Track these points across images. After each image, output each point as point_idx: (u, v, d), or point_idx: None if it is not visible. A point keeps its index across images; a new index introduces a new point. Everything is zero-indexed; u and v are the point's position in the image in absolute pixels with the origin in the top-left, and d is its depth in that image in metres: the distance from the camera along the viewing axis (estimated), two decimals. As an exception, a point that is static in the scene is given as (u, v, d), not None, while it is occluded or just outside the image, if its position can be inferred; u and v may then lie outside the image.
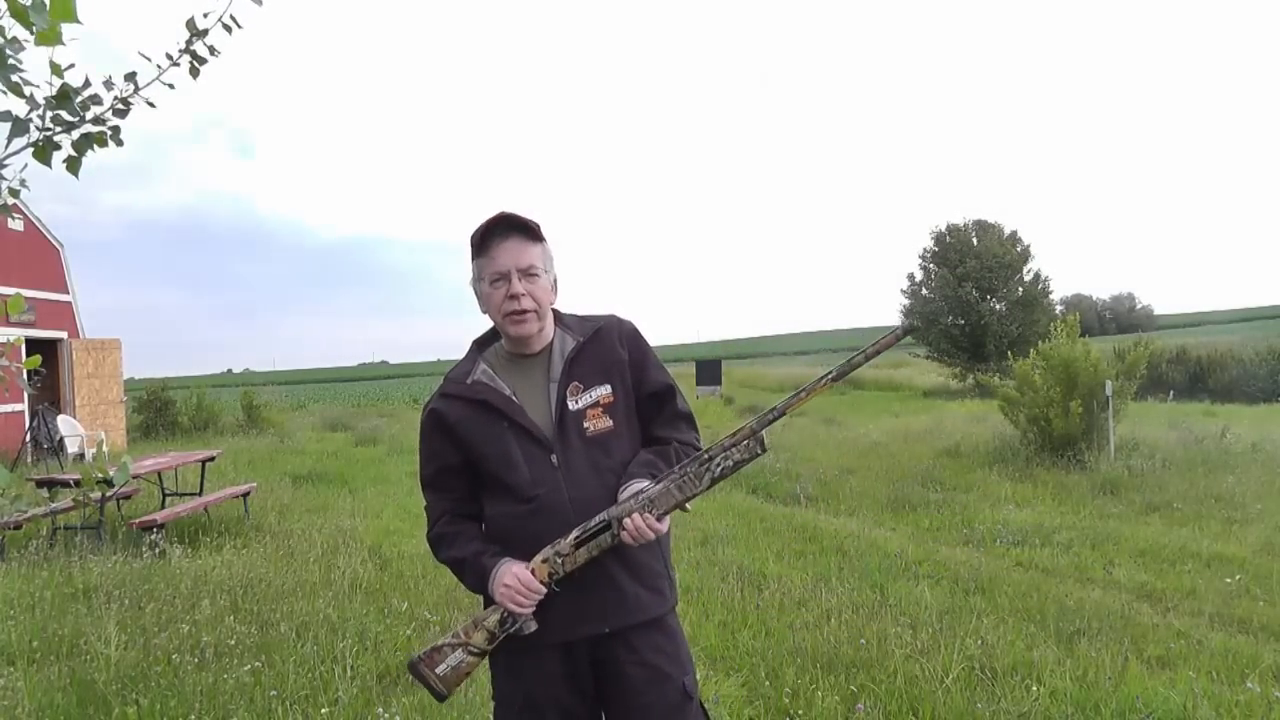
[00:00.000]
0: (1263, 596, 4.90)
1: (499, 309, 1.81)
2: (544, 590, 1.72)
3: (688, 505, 1.72)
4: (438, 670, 1.79)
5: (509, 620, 1.75)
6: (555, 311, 1.91)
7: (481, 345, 1.95)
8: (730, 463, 1.71)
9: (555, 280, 1.89)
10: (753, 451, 1.71)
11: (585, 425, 1.80)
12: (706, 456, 1.72)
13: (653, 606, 1.82)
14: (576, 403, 1.82)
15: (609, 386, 1.84)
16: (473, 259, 1.85)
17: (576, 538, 1.71)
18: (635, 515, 1.68)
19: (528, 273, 1.79)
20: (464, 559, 1.82)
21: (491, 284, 1.80)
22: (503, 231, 1.80)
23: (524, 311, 1.79)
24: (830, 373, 1.72)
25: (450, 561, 1.85)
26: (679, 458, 1.82)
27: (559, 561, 1.71)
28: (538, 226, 1.82)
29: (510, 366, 1.87)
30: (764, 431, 1.71)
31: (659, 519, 1.70)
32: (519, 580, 1.72)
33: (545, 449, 1.79)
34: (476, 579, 1.80)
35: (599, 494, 1.77)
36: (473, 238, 1.82)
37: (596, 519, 1.71)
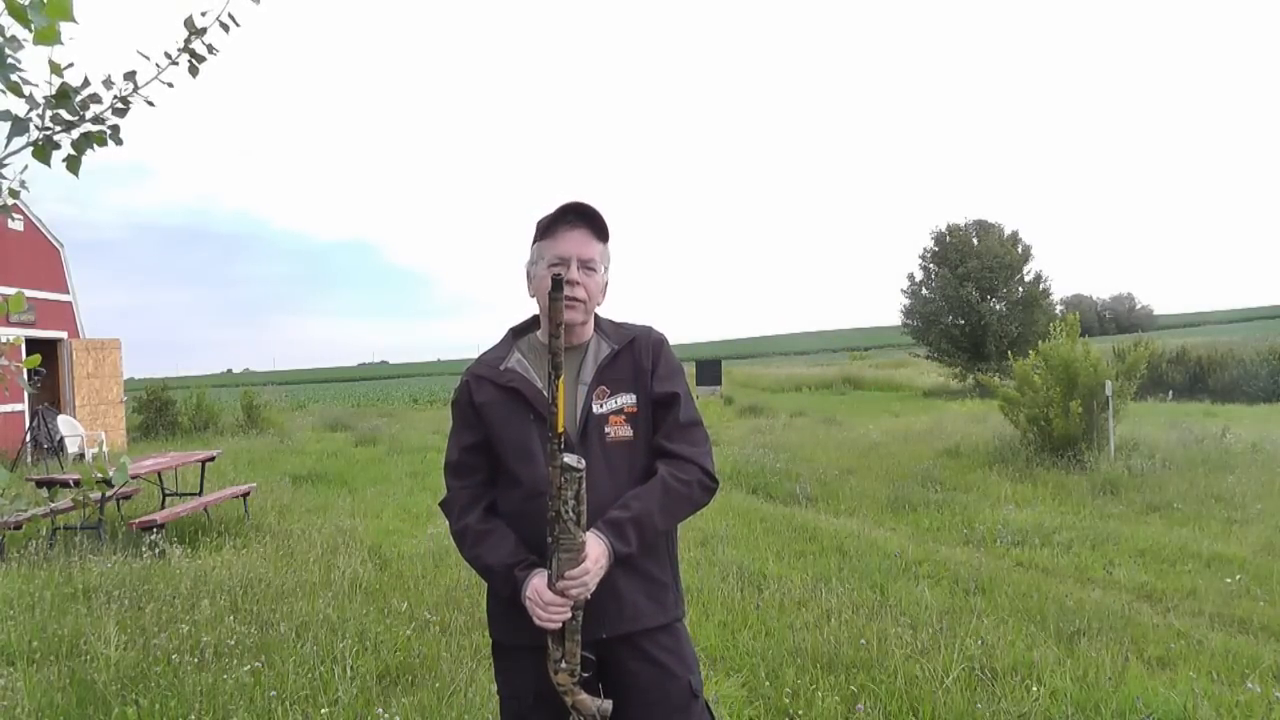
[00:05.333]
0: (1263, 596, 4.90)
1: (549, 292, 1.81)
2: (561, 602, 1.68)
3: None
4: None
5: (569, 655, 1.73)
6: (596, 315, 1.91)
7: (518, 334, 1.94)
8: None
9: (606, 284, 1.90)
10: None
11: (606, 431, 1.80)
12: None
13: (651, 616, 1.81)
14: (601, 407, 1.82)
15: (634, 396, 1.84)
16: (535, 241, 1.86)
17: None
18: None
19: (586, 265, 1.81)
20: (493, 567, 1.79)
21: (549, 267, 1.81)
22: (573, 220, 1.81)
23: (573, 299, 1.79)
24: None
25: (480, 566, 1.82)
26: (658, 490, 1.78)
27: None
28: (606, 227, 1.84)
29: (544, 358, 1.86)
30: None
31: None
32: (536, 594, 1.69)
33: (567, 448, 1.78)
34: (509, 589, 1.77)
35: (611, 500, 1.76)
36: (541, 221, 1.83)
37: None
